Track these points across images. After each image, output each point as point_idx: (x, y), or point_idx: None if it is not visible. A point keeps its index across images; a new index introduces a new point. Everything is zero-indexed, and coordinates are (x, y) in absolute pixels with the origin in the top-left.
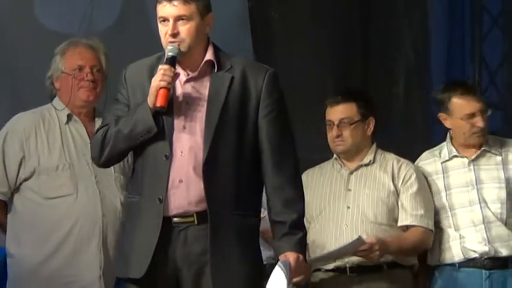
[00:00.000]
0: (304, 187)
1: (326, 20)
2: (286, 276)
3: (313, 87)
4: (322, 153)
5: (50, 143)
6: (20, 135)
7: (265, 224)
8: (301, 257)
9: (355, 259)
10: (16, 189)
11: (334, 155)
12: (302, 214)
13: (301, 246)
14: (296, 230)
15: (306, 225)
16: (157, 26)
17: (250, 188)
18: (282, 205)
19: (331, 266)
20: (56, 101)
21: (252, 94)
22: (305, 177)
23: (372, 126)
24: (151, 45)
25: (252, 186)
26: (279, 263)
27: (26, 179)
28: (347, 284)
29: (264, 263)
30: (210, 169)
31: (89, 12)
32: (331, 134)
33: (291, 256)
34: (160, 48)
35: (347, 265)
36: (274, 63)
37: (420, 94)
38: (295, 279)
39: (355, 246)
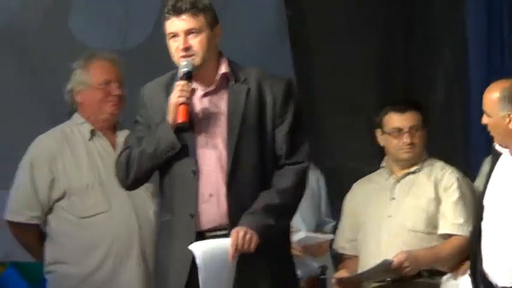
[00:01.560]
0: (353, 197)
1: (366, 30)
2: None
3: (355, 97)
4: (359, 161)
5: (77, 162)
6: (46, 158)
7: (307, 240)
8: (248, 232)
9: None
10: (49, 210)
11: (383, 163)
12: (286, 208)
13: (259, 228)
14: (266, 214)
15: (355, 234)
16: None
17: None
18: (274, 189)
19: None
20: (77, 116)
21: (269, 104)
22: (355, 186)
23: (427, 136)
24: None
25: None
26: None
27: (58, 200)
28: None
29: (310, 275)
30: (234, 182)
31: (123, 26)
32: (401, 141)
33: (239, 231)
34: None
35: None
36: (314, 74)
37: (460, 104)
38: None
39: (384, 267)
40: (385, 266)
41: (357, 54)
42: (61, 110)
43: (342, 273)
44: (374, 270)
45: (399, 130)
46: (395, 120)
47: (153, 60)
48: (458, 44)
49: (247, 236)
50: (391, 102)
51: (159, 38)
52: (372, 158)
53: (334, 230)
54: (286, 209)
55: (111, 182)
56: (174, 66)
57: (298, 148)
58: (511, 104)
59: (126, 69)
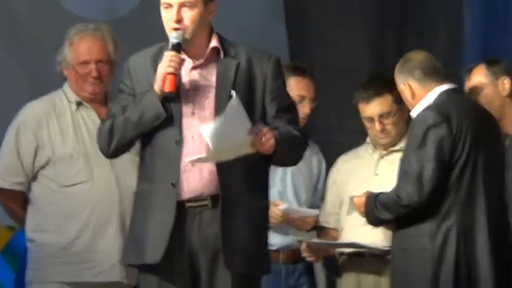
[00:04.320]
0: (338, 171)
1: (362, 7)
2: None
3: (349, 75)
4: (355, 138)
5: (63, 131)
6: (32, 125)
7: (290, 212)
8: (269, 132)
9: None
10: (34, 177)
11: (368, 139)
12: (297, 147)
13: (281, 140)
14: (287, 138)
15: (337, 208)
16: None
17: (259, 172)
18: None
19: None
20: (67, 87)
21: (258, 79)
22: (340, 161)
23: (407, 112)
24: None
25: (261, 169)
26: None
27: (42, 167)
28: (370, 262)
29: (290, 248)
30: None
31: None
32: (373, 129)
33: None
34: None
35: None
36: (309, 51)
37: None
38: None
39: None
40: (355, 246)
41: (351, 28)
42: (45, 80)
43: (314, 240)
44: (343, 244)
45: (370, 119)
46: (364, 109)
47: (140, 30)
48: (454, 21)
49: (268, 135)
50: (360, 88)
51: (146, 8)
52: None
53: None
54: (297, 148)
55: (96, 153)
56: (160, 36)
57: (291, 124)
58: (403, 74)
59: None
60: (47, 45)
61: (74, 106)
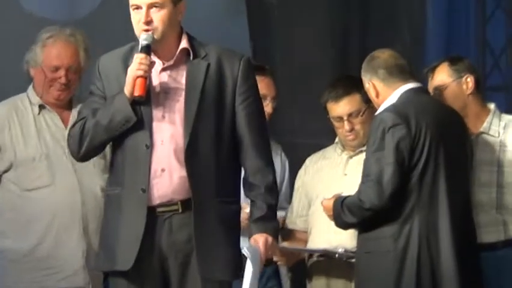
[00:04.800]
0: (305, 172)
1: (325, 7)
2: (254, 263)
3: (313, 73)
4: (319, 138)
5: (25, 134)
6: None
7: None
8: (270, 239)
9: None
10: None
11: (336, 139)
12: (277, 201)
13: (275, 232)
14: (273, 215)
15: (305, 209)
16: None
17: (231, 174)
18: (264, 189)
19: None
20: (30, 88)
21: (228, 81)
22: (308, 162)
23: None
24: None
25: (232, 172)
26: (245, 250)
27: (5, 171)
28: (340, 266)
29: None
30: (192, 156)
31: None
32: (343, 129)
33: (261, 238)
34: None
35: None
36: (272, 52)
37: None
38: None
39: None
40: (328, 253)
41: (313, 29)
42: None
43: (285, 244)
44: (315, 250)
45: (339, 119)
46: (333, 109)
47: (100, 31)
48: (417, 16)
49: (269, 243)
50: (328, 88)
51: (106, 9)
52: (333, 135)
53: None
54: (277, 203)
55: (58, 157)
56: (121, 37)
57: (261, 129)
58: (368, 73)
59: None
60: (6, 46)
61: (36, 109)
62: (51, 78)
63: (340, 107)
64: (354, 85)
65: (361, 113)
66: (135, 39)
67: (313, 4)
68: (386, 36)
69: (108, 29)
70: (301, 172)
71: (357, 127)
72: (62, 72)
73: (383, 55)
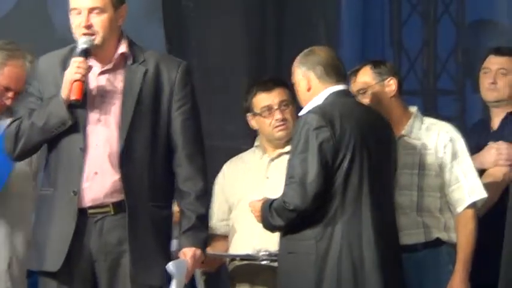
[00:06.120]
0: (224, 177)
1: (240, 11)
2: (178, 276)
3: (229, 78)
4: (236, 141)
5: None
6: None
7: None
8: (198, 252)
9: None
10: None
11: (256, 142)
12: (208, 209)
13: (203, 243)
14: (202, 225)
15: (226, 214)
16: (55, 12)
17: (164, 180)
18: (194, 197)
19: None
20: None
21: (166, 87)
22: (225, 167)
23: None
24: (48, 31)
25: (165, 177)
26: (170, 266)
27: None
28: (264, 270)
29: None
30: (126, 161)
31: None
32: (273, 119)
33: (189, 252)
34: (59, 34)
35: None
36: (188, 55)
37: None
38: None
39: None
40: (251, 257)
41: (230, 32)
42: None
43: (208, 250)
44: (239, 255)
45: (269, 108)
46: (263, 99)
47: (16, 32)
48: (332, 19)
49: (197, 256)
50: (256, 83)
51: (21, 11)
52: (249, 138)
53: None
54: (208, 212)
55: None
56: (36, 38)
57: (195, 136)
58: (305, 66)
59: None
60: None
61: None
62: None
63: (272, 95)
64: (282, 82)
65: (290, 104)
66: (55, 40)
67: (229, 6)
68: (302, 38)
69: (23, 31)
70: (219, 177)
71: (288, 116)
72: (10, 94)
73: (323, 52)
